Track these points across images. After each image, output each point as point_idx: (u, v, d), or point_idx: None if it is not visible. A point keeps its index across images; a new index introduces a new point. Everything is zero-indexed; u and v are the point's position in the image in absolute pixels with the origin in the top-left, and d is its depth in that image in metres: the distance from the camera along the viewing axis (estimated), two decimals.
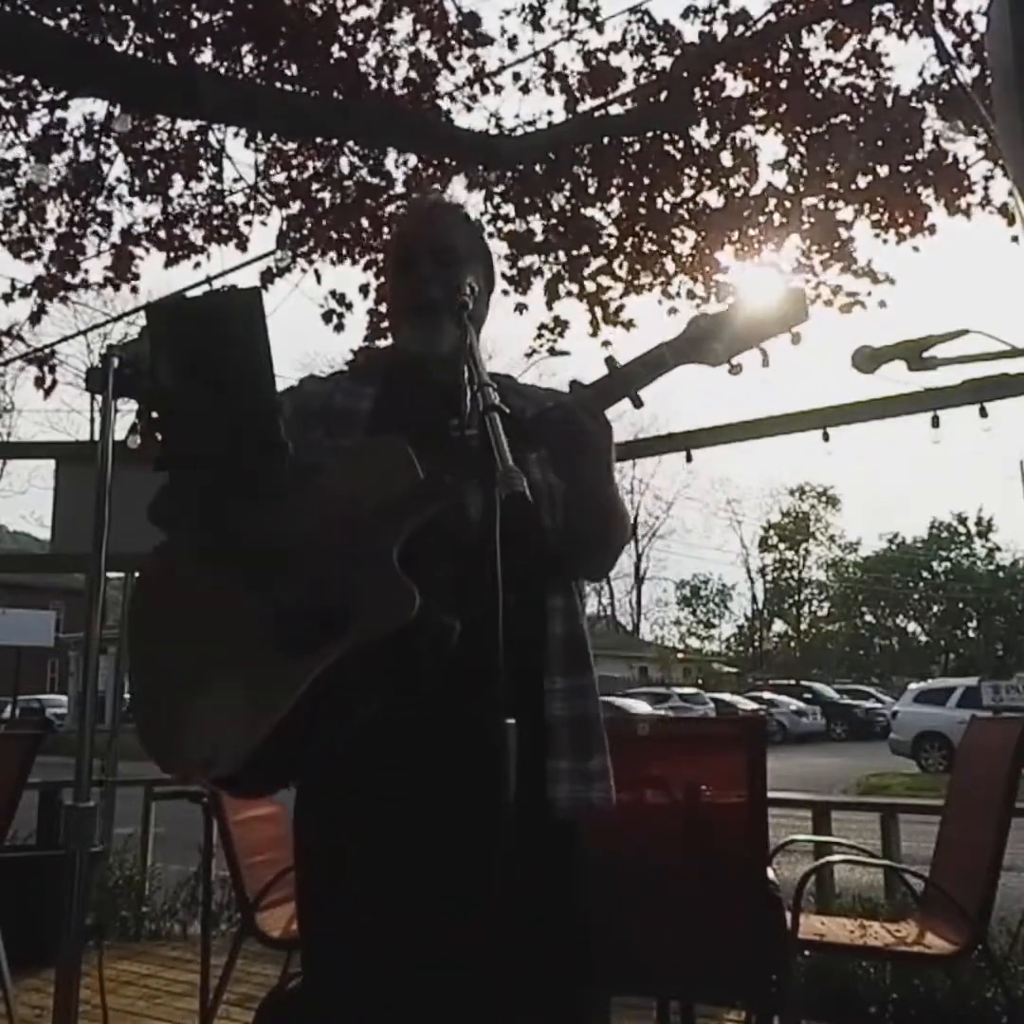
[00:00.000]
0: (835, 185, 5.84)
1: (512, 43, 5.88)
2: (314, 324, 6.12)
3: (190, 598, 1.38)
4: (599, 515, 1.47)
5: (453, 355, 1.40)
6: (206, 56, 5.53)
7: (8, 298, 5.72)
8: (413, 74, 5.87)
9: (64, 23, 5.29)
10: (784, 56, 5.84)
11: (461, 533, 1.34)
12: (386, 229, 6.04)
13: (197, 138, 5.90)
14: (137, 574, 1.50)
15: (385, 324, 6.05)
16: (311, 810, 1.45)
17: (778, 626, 52.21)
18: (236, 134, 5.91)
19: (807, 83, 5.85)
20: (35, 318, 5.73)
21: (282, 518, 1.36)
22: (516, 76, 5.91)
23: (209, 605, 1.35)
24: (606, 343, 6.12)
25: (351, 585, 1.29)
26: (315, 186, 6.09)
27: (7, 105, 5.52)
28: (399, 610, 1.25)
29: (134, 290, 6.08)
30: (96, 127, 5.72)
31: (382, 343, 6.05)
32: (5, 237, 5.78)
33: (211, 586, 1.36)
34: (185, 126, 5.83)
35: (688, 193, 5.98)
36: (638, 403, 1.39)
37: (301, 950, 1.51)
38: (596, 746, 1.48)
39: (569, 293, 6.07)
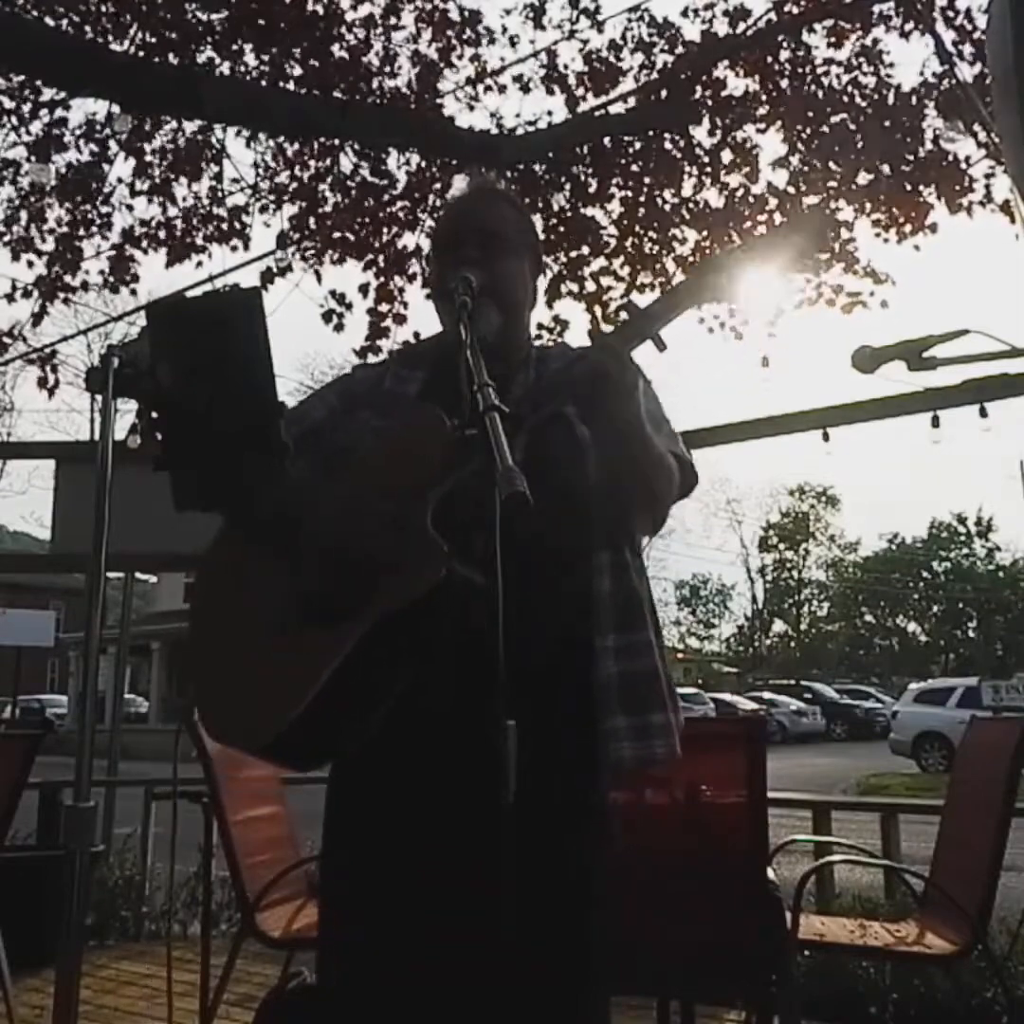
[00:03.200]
0: (836, 184, 5.83)
1: (513, 42, 5.89)
2: (314, 324, 6.11)
3: (235, 578, 1.39)
4: (636, 462, 1.42)
5: (494, 340, 1.36)
6: (207, 56, 5.54)
7: (9, 298, 5.72)
8: (415, 73, 5.87)
9: (64, 23, 5.29)
10: (785, 54, 5.84)
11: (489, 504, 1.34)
12: (386, 229, 6.04)
13: (200, 138, 5.90)
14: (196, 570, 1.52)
15: (384, 324, 6.06)
16: (330, 794, 1.46)
17: (778, 626, 52.23)
18: (237, 134, 5.91)
19: (808, 81, 5.85)
20: (36, 319, 5.72)
21: (311, 495, 1.35)
22: (517, 76, 5.92)
23: (251, 582, 1.36)
24: None
25: (380, 553, 1.27)
26: (317, 186, 6.09)
27: (8, 105, 5.52)
28: (430, 569, 1.23)
29: (133, 292, 6.08)
30: (98, 127, 5.71)
31: (382, 343, 6.05)
32: (6, 238, 5.78)
33: (253, 564, 1.37)
34: (188, 126, 5.83)
35: (689, 192, 5.98)
36: (661, 346, 1.38)
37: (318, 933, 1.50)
38: (657, 702, 1.44)
39: (569, 293, 6.07)
